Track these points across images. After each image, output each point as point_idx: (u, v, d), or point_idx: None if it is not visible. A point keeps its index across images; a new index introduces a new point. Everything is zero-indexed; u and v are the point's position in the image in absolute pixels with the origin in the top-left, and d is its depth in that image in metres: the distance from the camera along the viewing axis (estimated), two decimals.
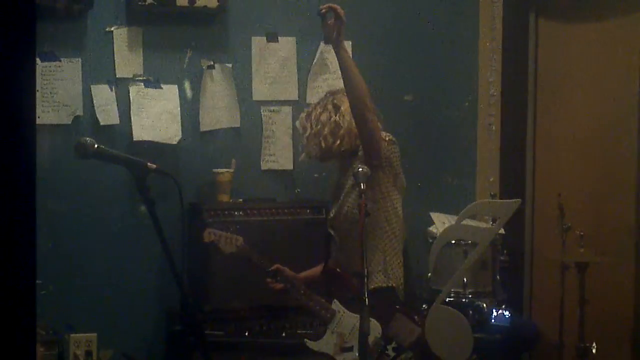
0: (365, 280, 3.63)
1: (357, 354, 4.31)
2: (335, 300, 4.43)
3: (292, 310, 4.91)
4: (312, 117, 4.57)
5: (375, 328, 4.27)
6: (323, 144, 4.50)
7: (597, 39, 5.70)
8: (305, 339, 4.48)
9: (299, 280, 4.57)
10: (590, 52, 5.73)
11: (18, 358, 1.73)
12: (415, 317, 4.38)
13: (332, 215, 4.60)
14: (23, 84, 1.71)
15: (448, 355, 4.23)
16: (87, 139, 3.34)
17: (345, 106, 4.50)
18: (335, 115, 4.51)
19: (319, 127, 4.52)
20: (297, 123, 4.74)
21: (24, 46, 1.70)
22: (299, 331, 4.96)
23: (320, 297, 4.47)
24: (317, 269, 4.67)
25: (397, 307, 4.45)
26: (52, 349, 4.85)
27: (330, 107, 4.55)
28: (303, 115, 4.66)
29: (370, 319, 4.29)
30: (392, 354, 4.28)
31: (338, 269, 4.53)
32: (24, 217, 1.71)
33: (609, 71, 5.65)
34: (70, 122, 5.18)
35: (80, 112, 5.20)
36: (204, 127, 5.44)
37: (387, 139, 4.41)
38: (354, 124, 4.41)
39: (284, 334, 4.96)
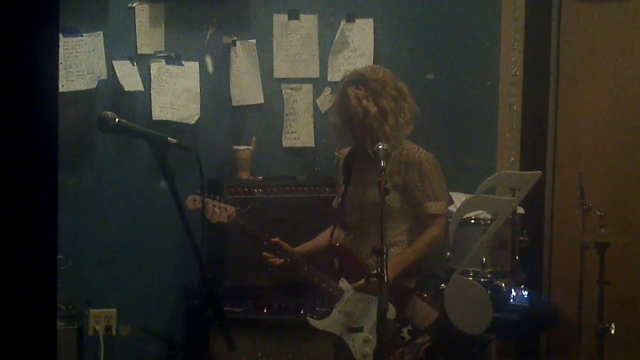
0: (385, 257, 3.62)
1: (367, 335, 4.27)
2: (342, 279, 4.37)
3: (310, 288, 4.89)
4: (378, 101, 4.43)
5: (389, 309, 4.20)
6: (389, 130, 4.40)
7: (621, 17, 5.65)
8: (308, 317, 4.41)
9: (298, 256, 4.47)
10: (613, 30, 5.69)
11: (39, 332, 1.74)
12: (430, 299, 4.34)
13: (355, 201, 4.54)
14: (46, 60, 1.72)
15: (466, 326, 4.22)
16: (109, 113, 3.34)
17: (404, 89, 4.53)
18: (405, 101, 4.50)
19: (393, 119, 4.44)
20: (361, 118, 4.46)
21: (47, 21, 1.71)
22: (317, 309, 4.96)
23: (325, 274, 4.41)
24: (314, 244, 4.59)
25: (414, 289, 4.42)
26: (72, 324, 4.88)
27: (394, 92, 4.47)
28: (352, 96, 4.44)
29: None
30: (407, 337, 4.22)
31: (344, 247, 4.48)
32: (45, 192, 1.72)
33: (632, 50, 5.61)
34: (94, 86, 5.14)
35: (104, 76, 5.17)
36: (235, 102, 5.43)
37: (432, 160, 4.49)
38: (414, 103, 4.52)
39: (302, 311, 4.95)
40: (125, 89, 5.18)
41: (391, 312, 4.22)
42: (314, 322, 4.39)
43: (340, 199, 4.57)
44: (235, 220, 4.38)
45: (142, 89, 5.24)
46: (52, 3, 1.71)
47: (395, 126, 4.44)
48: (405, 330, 4.19)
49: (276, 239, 4.42)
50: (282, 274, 4.52)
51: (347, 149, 4.63)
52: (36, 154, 1.71)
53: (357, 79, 4.49)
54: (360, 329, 4.31)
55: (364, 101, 4.42)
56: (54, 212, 1.74)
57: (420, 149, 4.51)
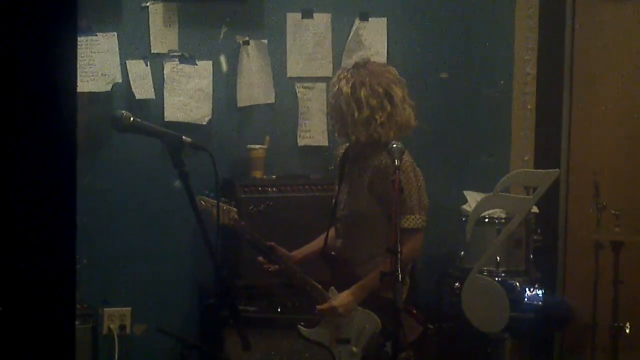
0: (399, 256, 3.59)
1: (353, 348, 4.19)
2: (332, 288, 4.23)
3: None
4: (361, 97, 4.12)
5: (375, 322, 4.15)
6: (375, 135, 4.13)
7: (635, 17, 5.64)
8: (299, 325, 4.30)
9: (293, 261, 4.33)
10: (628, 29, 5.68)
11: (58, 331, 1.74)
12: (417, 314, 4.18)
13: (342, 207, 4.33)
14: (65, 59, 1.72)
15: (484, 325, 4.21)
16: (123, 112, 3.35)
17: (398, 97, 4.17)
18: (390, 106, 4.13)
19: (368, 112, 4.12)
20: (334, 100, 4.26)
21: (65, 20, 1.71)
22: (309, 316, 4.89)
23: (316, 283, 4.27)
24: (312, 247, 4.44)
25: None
26: (87, 323, 4.89)
27: (380, 90, 4.14)
28: (346, 91, 4.16)
29: (370, 312, 4.22)
30: (390, 351, 3.88)
31: (334, 254, 4.34)
32: (64, 193, 1.73)
33: None
34: (109, 89, 5.18)
35: (119, 79, 5.20)
36: (241, 103, 5.43)
37: (410, 170, 4.16)
38: (405, 116, 4.18)
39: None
40: (137, 97, 5.20)
41: (377, 325, 4.13)
42: (304, 331, 4.30)
43: (334, 201, 4.43)
44: (237, 223, 4.24)
45: (154, 97, 5.25)
46: (70, 3, 1.71)
47: (367, 122, 4.14)
48: (388, 344, 3.93)
49: (271, 243, 4.29)
50: (276, 280, 4.46)
51: (345, 146, 4.43)
52: (54, 153, 1.71)
53: (352, 64, 4.30)
54: (347, 341, 4.21)
55: (343, 81, 4.19)
56: (73, 212, 1.74)
57: (402, 158, 3.98)
